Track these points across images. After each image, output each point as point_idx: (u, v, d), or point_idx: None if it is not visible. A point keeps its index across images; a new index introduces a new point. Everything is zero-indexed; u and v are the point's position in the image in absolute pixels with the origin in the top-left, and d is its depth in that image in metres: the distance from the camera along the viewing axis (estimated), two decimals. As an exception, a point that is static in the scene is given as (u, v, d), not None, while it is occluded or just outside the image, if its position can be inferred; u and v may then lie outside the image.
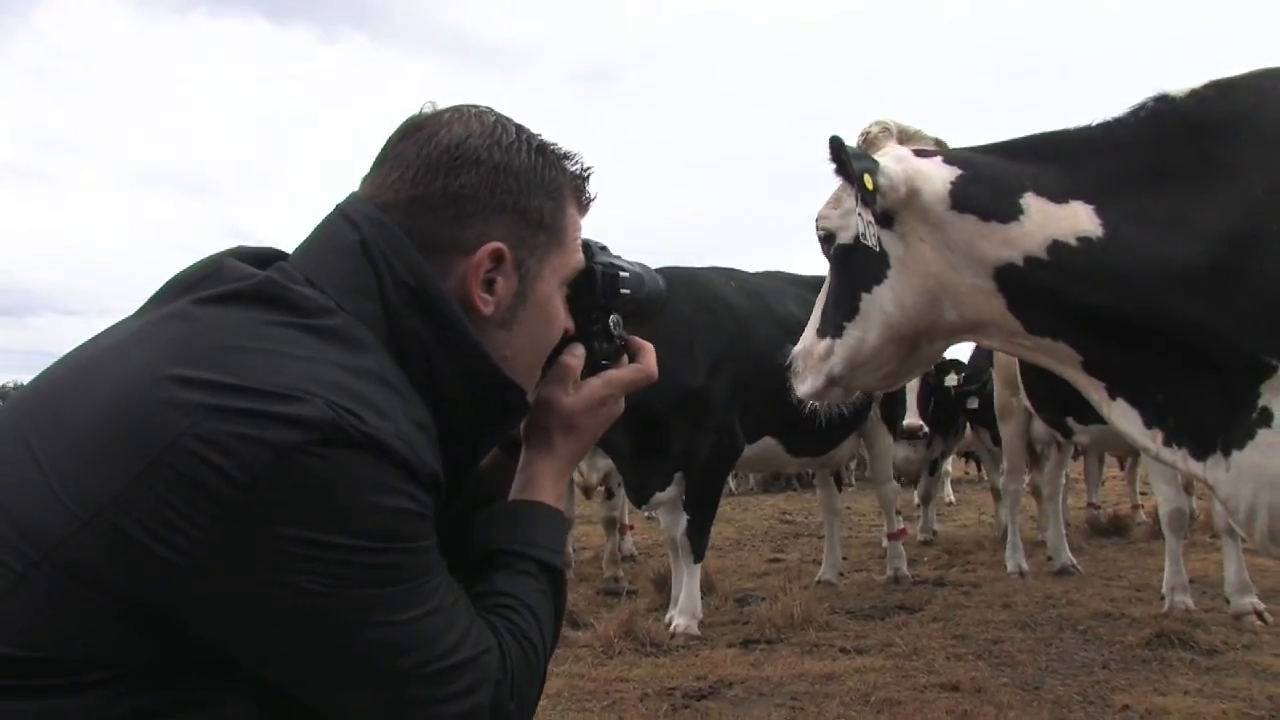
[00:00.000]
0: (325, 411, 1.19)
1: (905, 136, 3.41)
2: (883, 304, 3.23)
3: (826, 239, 3.43)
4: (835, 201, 3.41)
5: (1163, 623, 6.10)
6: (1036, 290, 3.05)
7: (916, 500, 12.12)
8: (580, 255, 1.61)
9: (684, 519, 6.73)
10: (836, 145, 3.13)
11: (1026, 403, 7.71)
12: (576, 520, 9.64)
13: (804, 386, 3.48)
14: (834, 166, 3.17)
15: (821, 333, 3.42)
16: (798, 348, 3.52)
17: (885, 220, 3.16)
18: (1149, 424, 3.07)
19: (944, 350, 3.62)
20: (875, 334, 3.26)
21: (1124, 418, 3.11)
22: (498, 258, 1.47)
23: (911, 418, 9.60)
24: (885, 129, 3.41)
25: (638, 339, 1.74)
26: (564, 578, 1.57)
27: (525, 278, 1.51)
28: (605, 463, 8.41)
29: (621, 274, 1.67)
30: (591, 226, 1.64)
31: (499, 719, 1.35)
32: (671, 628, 6.51)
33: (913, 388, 9.61)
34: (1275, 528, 3.01)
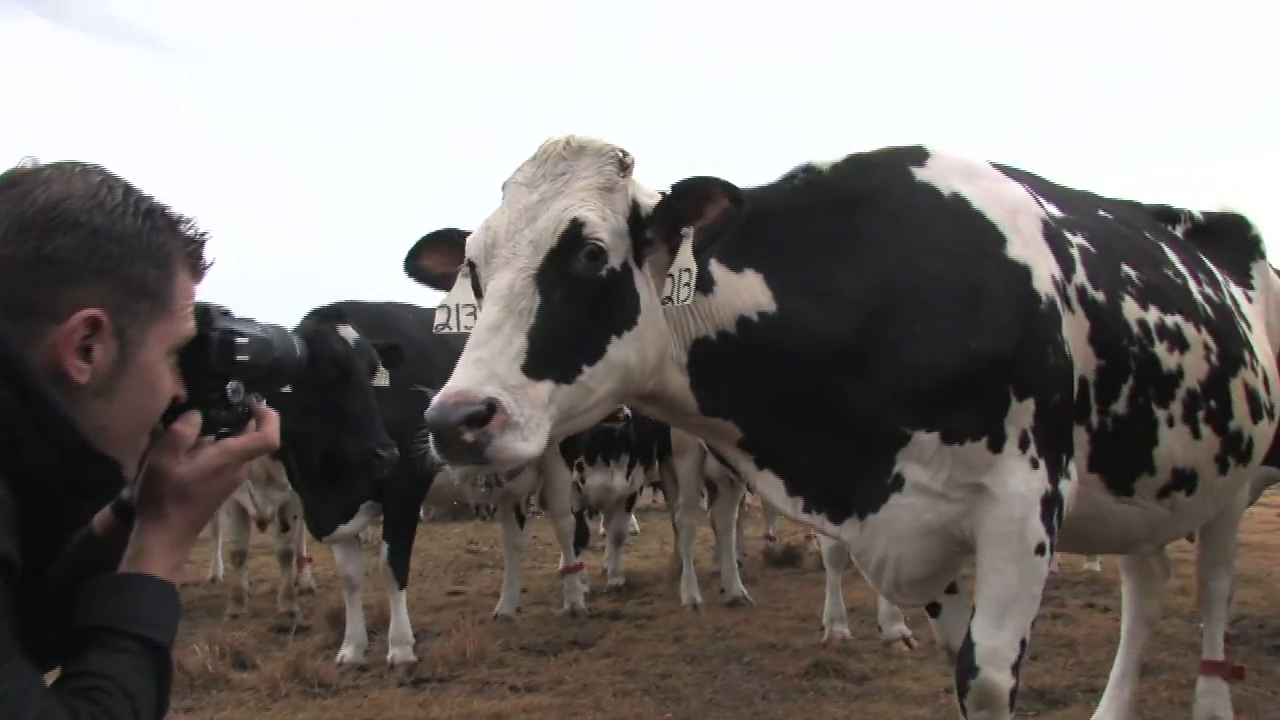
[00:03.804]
0: None
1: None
2: (628, 355, 2.74)
3: (595, 257, 2.67)
4: (597, 209, 2.69)
5: (820, 653, 6.44)
6: (721, 367, 2.93)
7: (602, 530, 11.75)
8: (191, 323, 1.57)
9: (384, 547, 6.81)
10: (729, 189, 2.75)
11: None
12: (254, 552, 9.28)
13: (530, 444, 2.54)
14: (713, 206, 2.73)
15: (535, 371, 2.58)
16: (489, 389, 2.50)
17: (639, 258, 2.79)
18: (791, 492, 3.13)
19: None
20: (608, 386, 2.74)
21: (769, 487, 3.15)
22: (94, 325, 1.41)
23: None
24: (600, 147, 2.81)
25: (261, 406, 1.70)
26: (168, 654, 1.51)
27: (126, 346, 1.45)
28: (281, 494, 8.25)
29: (239, 340, 1.64)
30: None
31: None
32: (390, 659, 6.52)
33: None
34: (900, 578, 3.20)
